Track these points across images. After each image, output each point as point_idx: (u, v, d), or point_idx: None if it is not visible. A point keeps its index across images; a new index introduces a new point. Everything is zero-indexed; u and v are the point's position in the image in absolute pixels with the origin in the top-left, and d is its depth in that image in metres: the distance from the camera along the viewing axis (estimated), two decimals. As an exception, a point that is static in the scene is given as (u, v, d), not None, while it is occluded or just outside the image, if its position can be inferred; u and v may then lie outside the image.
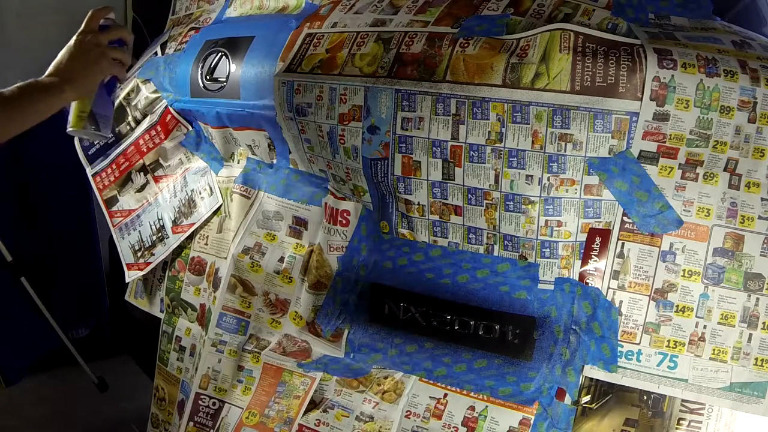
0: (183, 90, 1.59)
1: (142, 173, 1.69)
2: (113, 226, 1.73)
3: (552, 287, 1.21)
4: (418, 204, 1.28)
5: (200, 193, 1.61)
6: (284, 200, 1.47)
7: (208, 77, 1.52)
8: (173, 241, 1.62)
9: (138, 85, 1.71)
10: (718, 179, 1.12)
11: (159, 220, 1.65)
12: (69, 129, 1.27)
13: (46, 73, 1.21)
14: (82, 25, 1.27)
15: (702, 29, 1.20)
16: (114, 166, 1.72)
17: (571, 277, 1.20)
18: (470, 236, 1.26)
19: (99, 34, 1.25)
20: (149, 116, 1.67)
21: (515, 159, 1.17)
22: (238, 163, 1.57)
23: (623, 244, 1.16)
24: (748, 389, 1.12)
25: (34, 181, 2.30)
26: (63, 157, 1.91)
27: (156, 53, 1.73)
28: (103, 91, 1.27)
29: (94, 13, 1.28)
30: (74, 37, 1.25)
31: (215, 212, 1.58)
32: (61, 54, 1.23)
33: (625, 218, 1.16)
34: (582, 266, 1.19)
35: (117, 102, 1.32)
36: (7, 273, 2.19)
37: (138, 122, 1.69)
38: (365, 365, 1.36)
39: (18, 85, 1.17)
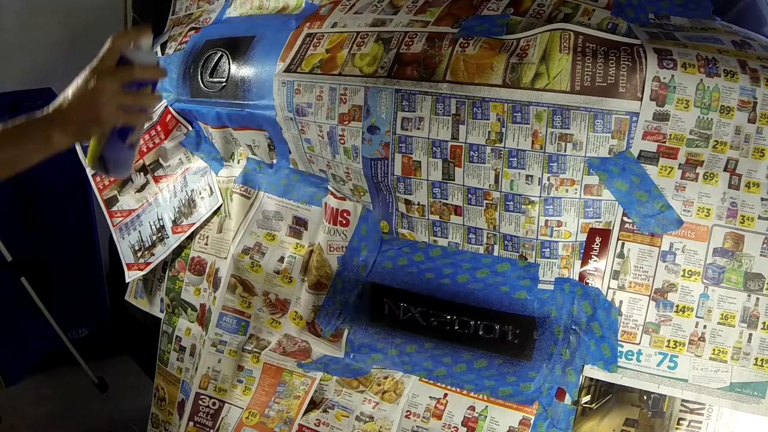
0: (183, 90, 1.59)
1: (142, 173, 1.69)
2: (113, 226, 1.73)
3: (552, 287, 1.21)
4: (418, 204, 1.28)
5: (200, 193, 1.61)
6: (284, 200, 1.47)
7: (208, 77, 1.52)
8: (173, 241, 1.62)
9: (138, 85, 1.70)
10: (718, 179, 1.12)
11: (159, 220, 1.65)
12: (86, 163, 1.15)
13: (51, 105, 1.01)
14: (97, 57, 1.00)
15: (702, 29, 1.20)
16: (114, 166, 1.71)
17: (571, 277, 1.20)
18: (470, 236, 1.26)
19: (112, 75, 0.99)
20: (149, 116, 1.67)
21: (515, 159, 1.17)
22: (238, 163, 1.57)
23: (623, 244, 1.16)
24: (748, 389, 1.12)
25: (34, 181, 2.31)
26: (63, 156, 1.91)
27: (156, 53, 1.73)
28: (114, 136, 1.07)
29: (115, 40, 0.99)
30: (85, 71, 1.00)
31: (215, 212, 1.58)
32: (70, 87, 1.00)
33: (625, 218, 1.16)
34: (582, 266, 1.19)
35: (137, 145, 1.14)
36: (7, 273, 2.19)
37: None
38: (365, 365, 1.36)
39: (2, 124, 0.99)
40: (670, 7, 1.24)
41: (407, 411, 1.30)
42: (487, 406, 1.25)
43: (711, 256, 1.13)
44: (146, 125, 1.65)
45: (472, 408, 1.26)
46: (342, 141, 1.30)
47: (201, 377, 1.48)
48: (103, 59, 0.99)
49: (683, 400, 1.21)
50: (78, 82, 1.00)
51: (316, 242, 1.42)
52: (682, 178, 1.13)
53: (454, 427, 1.26)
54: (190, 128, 1.63)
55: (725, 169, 1.12)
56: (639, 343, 1.15)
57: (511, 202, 1.20)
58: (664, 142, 1.11)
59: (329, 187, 1.42)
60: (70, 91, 1.00)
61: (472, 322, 1.26)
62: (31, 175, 1.25)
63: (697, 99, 1.09)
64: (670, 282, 1.14)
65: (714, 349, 1.13)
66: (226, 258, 1.51)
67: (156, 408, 1.69)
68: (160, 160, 1.67)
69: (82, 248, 2.54)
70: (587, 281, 1.19)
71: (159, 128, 1.65)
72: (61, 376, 2.49)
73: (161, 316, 1.69)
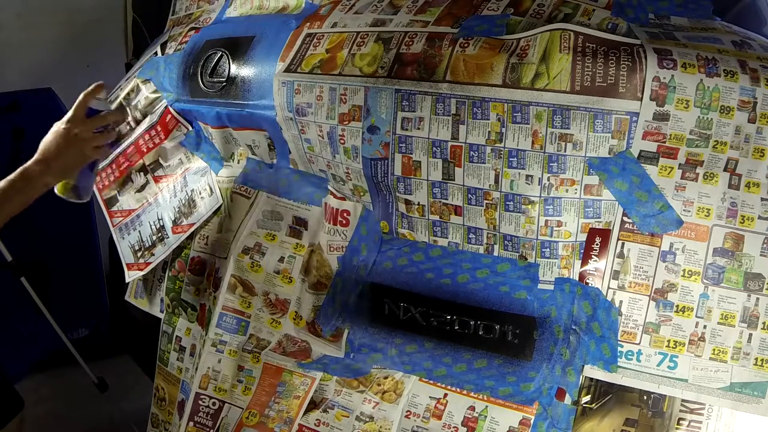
0: (183, 90, 1.59)
1: (142, 173, 1.69)
2: (113, 226, 1.73)
3: (552, 287, 1.21)
4: (418, 204, 1.28)
5: (200, 193, 1.61)
6: (284, 200, 1.47)
7: (208, 77, 1.52)
8: (173, 241, 1.62)
9: (138, 85, 1.71)
10: (718, 179, 1.12)
11: (159, 220, 1.65)
12: (56, 191, 1.39)
13: (34, 158, 1.30)
14: (71, 111, 1.34)
15: (702, 29, 1.20)
16: (114, 166, 1.72)
17: (571, 277, 1.20)
18: (470, 236, 1.26)
19: (86, 125, 1.33)
20: (149, 116, 1.67)
21: (515, 159, 1.17)
22: (238, 163, 1.57)
23: (623, 244, 1.16)
24: (748, 389, 1.12)
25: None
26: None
27: (156, 53, 1.73)
28: (85, 168, 1.40)
29: (84, 98, 1.35)
30: (62, 124, 1.32)
31: (215, 212, 1.58)
32: (49, 140, 1.32)
33: (625, 218, 1.16)
34: (582, 266, 1.19)
35: (100, 163, 1.55)
36: (7, 273, 2.19)
37: (138, 122, 1.69)
38: (365, 365, 1.36)
39: (7, 179, 1.28)
40: (670, 7, 1.24)
41: (407, 411, 1.30)
42: (487, 406, 1.25)
43: (711, 256, 1.13)
44: (146, 125, 1.66)
45: (472, 408, 1.26)
46: (342, 141, 1.30)
47: (201, 377, 1.48)
48: (75, 112, 1.33)
49: (683, 400, 1.21)
50: (57, 134, 1.31)
51: (316, 242, 1.42)
52: (682, 178, 1.13)
53: (454, 427, 1.26)
54: (190, 128, 1.63)
55: (725, 169, 1.12)
56: (639, 343, 1.15)
57: (511, 202, 1.20)
58: (664, 142, 1.11)
59: (329, 187, 1.42)
60: (52, 142, 1.31)
61: (472, 322, 1.26)
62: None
63: (697, 99, 1.09)
64: (670, 282, 1.14)
65: (714, 349, 1.13)
66: (226, 258, 1.51)
67: (156, 408, 1.69)
68: (160, 160, 1.66)
69: (82, 248, 2.55)
70: (587, 281, 1.19)
71: (159, 128, 1.65)
72: (61, 376, 2.49)
73: (161, 316, 1.69)
